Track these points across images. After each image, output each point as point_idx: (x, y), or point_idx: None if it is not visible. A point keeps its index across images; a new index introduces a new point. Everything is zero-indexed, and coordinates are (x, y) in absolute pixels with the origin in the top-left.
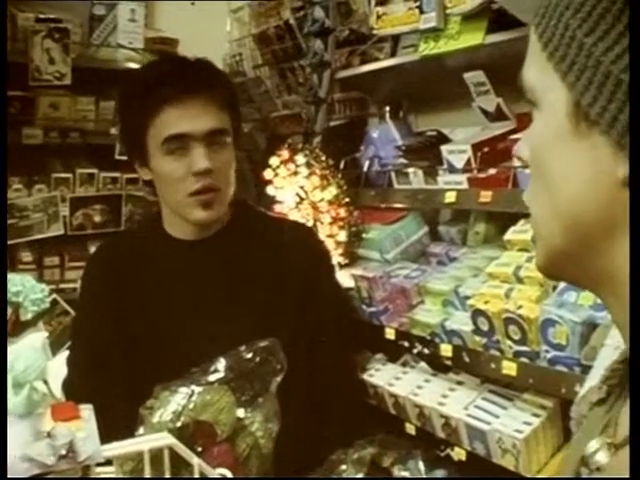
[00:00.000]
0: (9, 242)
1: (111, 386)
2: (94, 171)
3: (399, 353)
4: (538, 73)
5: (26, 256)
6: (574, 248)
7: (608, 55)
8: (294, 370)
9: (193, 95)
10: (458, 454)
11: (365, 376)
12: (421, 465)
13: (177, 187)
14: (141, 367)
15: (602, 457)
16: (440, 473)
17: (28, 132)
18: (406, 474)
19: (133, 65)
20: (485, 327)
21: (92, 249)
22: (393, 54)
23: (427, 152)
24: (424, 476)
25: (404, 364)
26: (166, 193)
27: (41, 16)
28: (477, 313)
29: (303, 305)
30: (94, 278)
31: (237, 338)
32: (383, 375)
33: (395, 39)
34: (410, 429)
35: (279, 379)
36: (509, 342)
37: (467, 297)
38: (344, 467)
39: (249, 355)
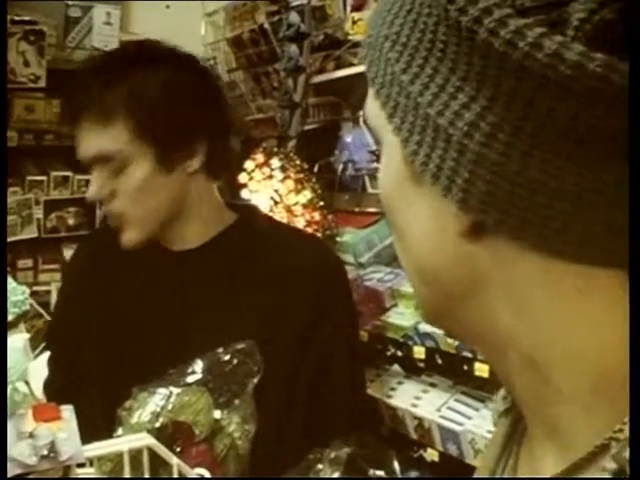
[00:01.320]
0: None
1: (89, 388)
2: (69, 174)
3: (372, 356)
4: (374, 111)
5: None
6: (438, 299)
7: (425, 95)
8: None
9: (81, 115)
10: (431, 455)
11: None
12: (396, 465)
13: None
14: (120, 371)
15: None
16: (413, 474)
17: None
18: (381, 474)
19: None
20: None
21: (66, 252)
22: None
23: None
24: (399, 476)
25: (376, 367)
26: None
27: (16, 18)
28: None
29: (303, 330)
30: (75, 276)
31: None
32: None
33: None
34: (383, 430)
35: (256, 381)
36: None
37: None
38: (320, 466)
39: (226, 357)
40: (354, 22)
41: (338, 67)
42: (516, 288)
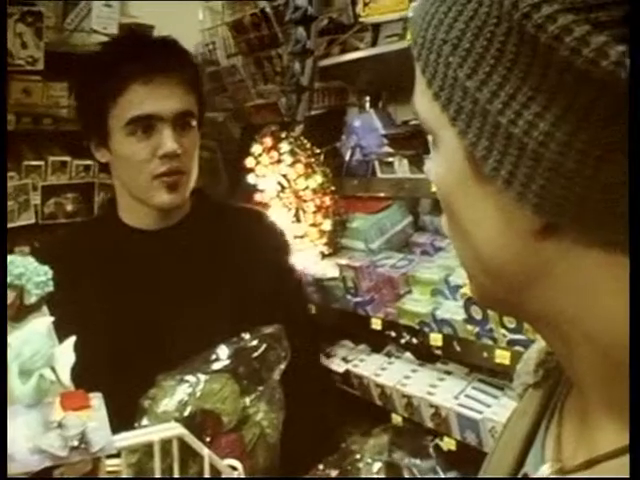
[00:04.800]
0: None
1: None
2: (67, 159)
3: (383, 343)
4: (428, 108)
5: None
6: (499, 290)
7: (494, 103)
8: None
9: (162, 74)
10: (447, 444)
11: (350, 367)
12: (432, 453)
13: (140, 169)
14: (103, 360)
15: None
16: (429, 464)
17: None
18: (417, 462)
19: None
20: (478, 316)
21: None
22: (374, 44)
23: (414, 141)
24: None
25: (388, 354)
26: (127, 176)
27: None
28: (470, 302)
29: (272, 294)
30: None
31: (200, 330)
32: (368, 366)
33: (376, 29)
34: (396, 419)
35: (282, 367)
36: (503, 330)
37: (459, 286)
38: (358, 456)
39: (254, 342)
40: (365, 4)
41: (343, 51)
42: (581, 279)
